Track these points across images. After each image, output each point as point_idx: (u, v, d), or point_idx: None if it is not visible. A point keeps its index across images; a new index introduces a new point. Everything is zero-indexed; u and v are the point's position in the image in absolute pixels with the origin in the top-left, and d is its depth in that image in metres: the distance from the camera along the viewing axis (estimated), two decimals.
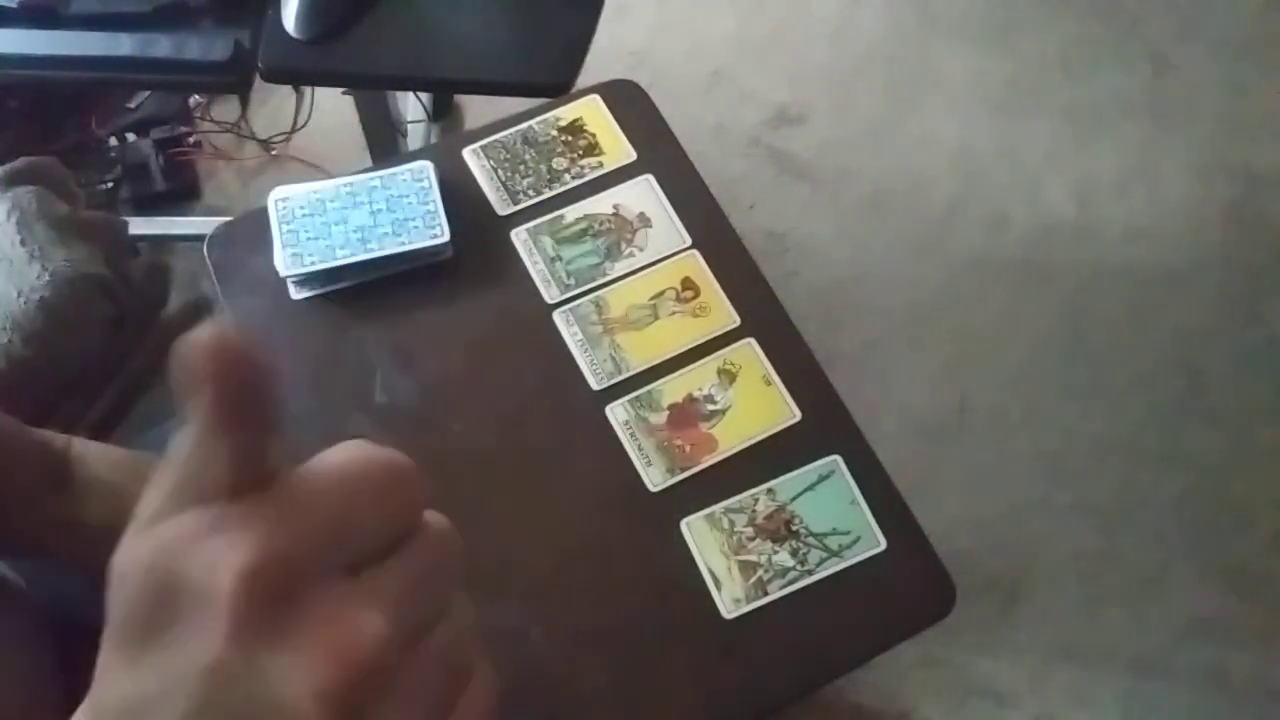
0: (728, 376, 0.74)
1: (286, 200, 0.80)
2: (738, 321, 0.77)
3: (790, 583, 0.67)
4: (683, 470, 0.71)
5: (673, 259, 0.79)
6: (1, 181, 1.31)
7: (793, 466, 0.71)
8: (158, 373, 1.57)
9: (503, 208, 0.82)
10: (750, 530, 0.69)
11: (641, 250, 0.80)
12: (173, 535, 0.24)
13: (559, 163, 0.84)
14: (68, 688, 0.66)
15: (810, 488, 0.70)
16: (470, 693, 0.28)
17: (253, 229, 0.80)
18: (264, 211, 0.80)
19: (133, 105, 1.72)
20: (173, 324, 1.58)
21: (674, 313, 0.77)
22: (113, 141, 1.69)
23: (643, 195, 0.82)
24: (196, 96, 1.74)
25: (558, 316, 0.77)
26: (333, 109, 1.63)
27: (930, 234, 1.68)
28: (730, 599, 0.67)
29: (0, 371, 1.25)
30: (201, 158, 1.71)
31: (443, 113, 1.72)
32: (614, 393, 0.74)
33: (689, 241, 0.80)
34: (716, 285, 0.78)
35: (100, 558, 0.74)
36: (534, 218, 0.82)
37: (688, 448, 0.72)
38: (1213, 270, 1.65)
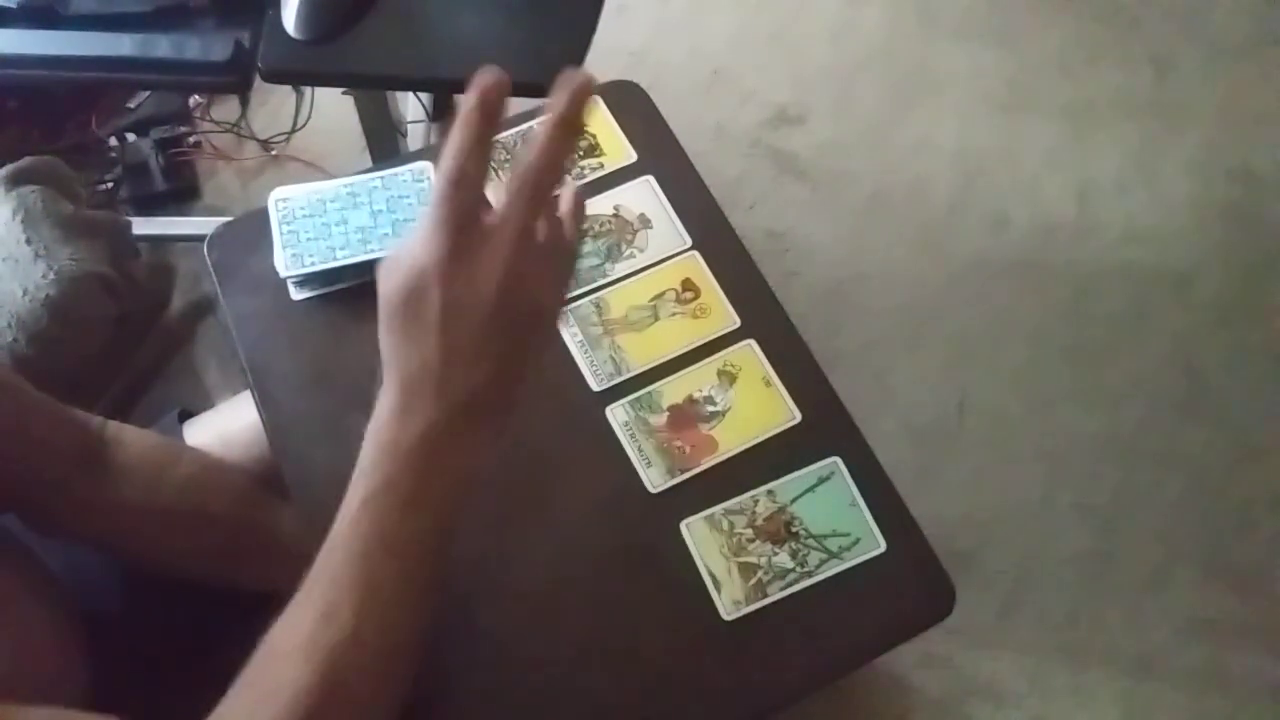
0: (728, 378, 0.74)
1: (286, 200, 0.80)
2: (738, 322, 0.77)
3: (790, 584, 0.67)
4: (682, 471, 0.71)
5: (673, 260, 0.79)
6: (6, 181, 1.32)
7: (793, 468, 0.71)
8: (161, 372, 1.58)
9: None
10: (750, 532, 0.69)
11: (642, 251, 0.80)
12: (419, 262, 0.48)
13: None
14: (94, 678, 0.66)
15: (810, 489, 0.70)
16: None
17: (253, 229, 0.80)
18: (264, 211, 0.80)
19: (133, 105, 1.72)
20: (175, 324, 1.58)
21: (674, 314, 0.77)
22: (113, 141, 1.69)
23: (643, 196, 0.82)
24: (196, 96, 1.74)
25: None
26: (333, 109, 1.63)
27: (930, 234, 1.68)
28: (730, 600, 0.67)
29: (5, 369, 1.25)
30: (201, 158, 1.72)
31: (443, 113, 1.72)
32: (614, 394, 0.74)
33: (689, 242, 0.80)
34: (716, 286, 0.78)
35: (134, 539, 0.76)
36: None
37: (687, 449, 0.72)
38: (1213, 270, 1.65)
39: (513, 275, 0.47)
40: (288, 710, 0.45)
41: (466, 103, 0.46)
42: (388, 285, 0.48)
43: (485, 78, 0.47)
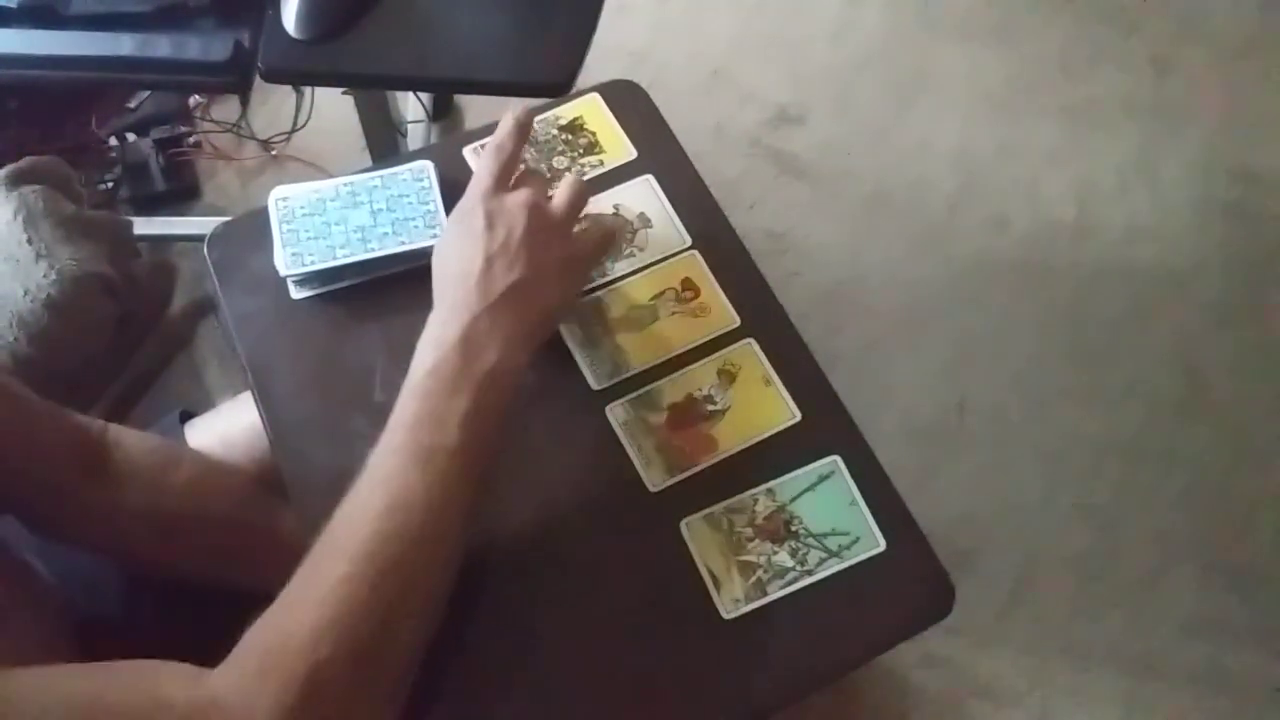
0: (727, 377, 0.74)
1: (286, 200, 0.80)
2: (738, 322, 0.77)
3: (790, 583, 0.67)
4: (682, 470, 0.71)
5: (673, 259, 0.79)
6: (7, 181, 1.31)
7: (792, 467, 0.71)
8: (162, 372, 1.58)
9: None
10: (750, 531, 0.69)
11: (642, 250, 0.80)
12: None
13: (559, 162, 0.84)
14: None
15: (810, 488, 0.70)
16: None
17: (253, 228, 0.80)
18: (264, 211, 0.80)
19: (133, 105, 1.73)
20: (176, 324, 1.58)
21: (674, 313, 0.77)
22: (113, 141, 1.69)
23: (643, 195, 0.82)
24: (196, 96, 1.74)
25: None
26: (333, 109, 1.63)
27: (930, 234, 1.68)
28: (729, 599, 0.67)
29: (6, 371, 1.25)
30: (201, 158, 1.72)
31: (443, 113, 1.72)
32: (614, 393, 0.74)
33: (689, 241, 0.80)
34: (716, 285, 0.78)
35: (135, 542, 0.77)
36: None
37: (687, 448, 0.72)
38: (1213, 270, 1.65)
39: (537, 205, 0.66)
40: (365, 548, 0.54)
41: (510, 117, 0.70)
42: (449, 222, 0.68)
43: (523, 110, 0.70)
